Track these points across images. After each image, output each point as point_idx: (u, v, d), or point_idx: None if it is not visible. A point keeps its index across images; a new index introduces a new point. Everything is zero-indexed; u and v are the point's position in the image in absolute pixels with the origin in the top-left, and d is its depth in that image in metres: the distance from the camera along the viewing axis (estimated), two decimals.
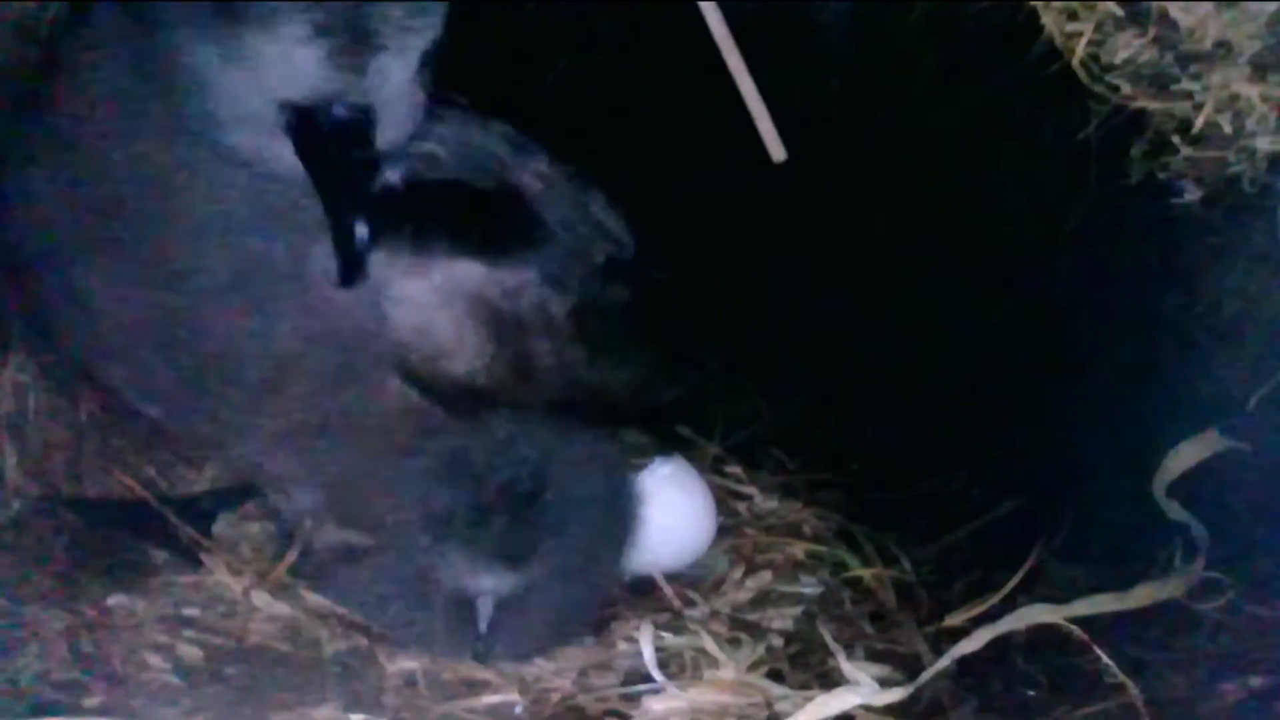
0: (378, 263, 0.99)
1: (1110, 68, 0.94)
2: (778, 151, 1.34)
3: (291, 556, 1.07)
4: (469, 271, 1.06)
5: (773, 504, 1.41)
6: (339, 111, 0.90)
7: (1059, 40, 0.94)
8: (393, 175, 1.04)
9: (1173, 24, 0.90)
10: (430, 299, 1.05)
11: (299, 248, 1.01)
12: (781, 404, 1.51)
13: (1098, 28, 0.91)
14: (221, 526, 1.24)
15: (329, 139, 0.90)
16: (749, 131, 1.34)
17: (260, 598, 1.13)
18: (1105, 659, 0.99)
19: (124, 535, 1.19)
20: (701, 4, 1.31)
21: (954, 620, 1.18)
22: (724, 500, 1.38)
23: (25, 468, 1.16)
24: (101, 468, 1.24)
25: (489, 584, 1.06)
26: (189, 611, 1.12)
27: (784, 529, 1.38)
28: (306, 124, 0.91)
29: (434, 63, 0.97)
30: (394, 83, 0.92)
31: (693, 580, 1.28)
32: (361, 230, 0.89)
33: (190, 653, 1.06)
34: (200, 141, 0.96)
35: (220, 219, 0.99)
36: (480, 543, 1.05)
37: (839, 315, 1.51)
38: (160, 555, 1.18)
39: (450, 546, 1.05)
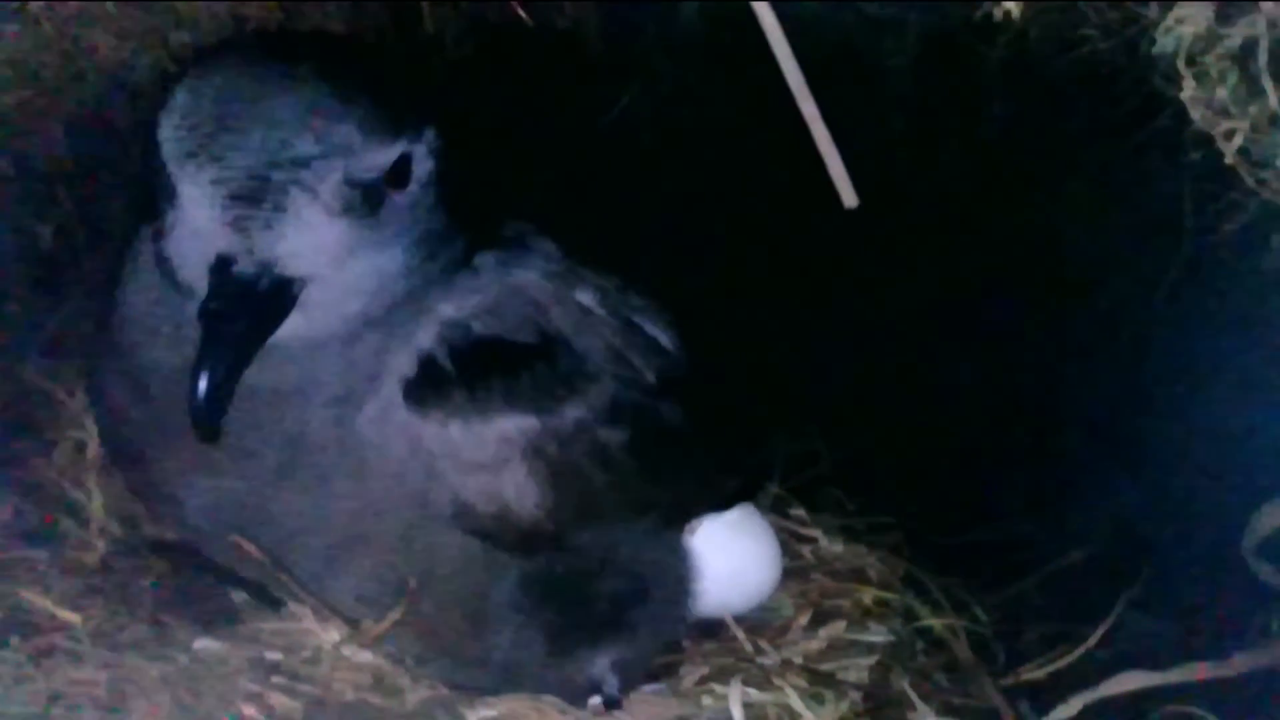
0: (431, 431, 1.03)
1: (1265, 164, 0.90)
2: (849, 197, 1.34)
3: (393, 617, 1.07)
4: (521, 428, 1.06)
5: (838, 548, 1.40)
6: (230, 270, 0.91)
7: (1217, 141, 0.91)
8: (425, 340, 1.05)
9: None
10: (486, 461, 1.05)
11: (342, 419, 1.02)
12: (842, 445, 1.50)
13: (1254, 128, 0.88)
14: None
15: (216, 297, 0.91)
16: (818, 175, 1.34)
17: (347, 648, 1.13)
18: None
19: (205, 577, 1.18)
20: (773, 46, 1.30)
21: (1029, 674, 1.18)
22: (787, 543, 1.37)
23: (109, 509, 1.17)
24: None
25: None
26: (272, 656, 1.12)
27: (850, 574, 1.37)
28: (212, 284, 0.92)
29: (424, 226, 0.99)
30: (311, 244, 0.93)
31: (758, 624, 1.28)
32: (202, 385, 0.89)
33: (283, 703, 1.05)
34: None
35: (262, 400, 0.99)
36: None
37: (905, 357, 1.50)
38: (239, 597, 1.18)
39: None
